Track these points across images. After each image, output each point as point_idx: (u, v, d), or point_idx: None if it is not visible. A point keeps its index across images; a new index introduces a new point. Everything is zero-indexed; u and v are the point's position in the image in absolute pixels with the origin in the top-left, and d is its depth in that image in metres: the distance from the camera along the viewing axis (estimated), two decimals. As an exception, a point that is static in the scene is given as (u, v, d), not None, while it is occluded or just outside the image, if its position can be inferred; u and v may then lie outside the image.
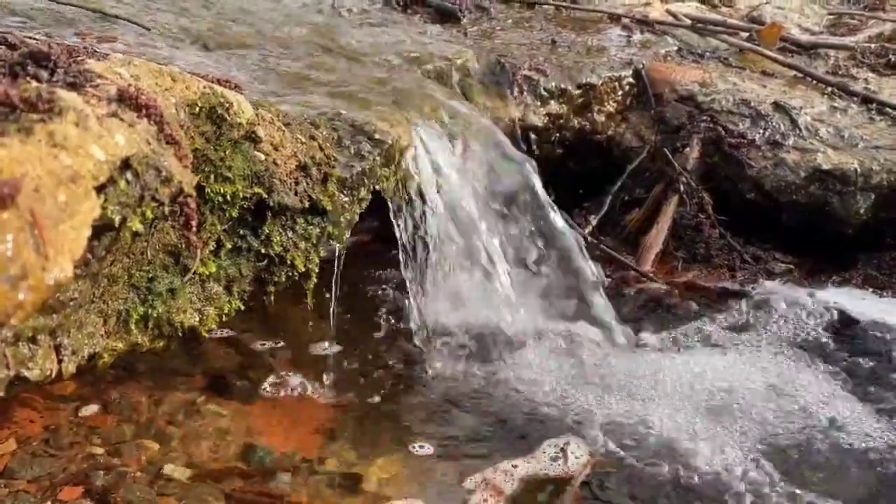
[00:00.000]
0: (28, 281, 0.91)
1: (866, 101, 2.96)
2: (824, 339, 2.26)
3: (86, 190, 1.04)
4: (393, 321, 2.23)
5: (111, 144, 1.13)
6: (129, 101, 1.25)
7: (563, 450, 1.74)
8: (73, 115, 1.09)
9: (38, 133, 1.03)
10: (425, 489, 1.63)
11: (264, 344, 2.08)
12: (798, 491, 1.64)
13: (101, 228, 1.18)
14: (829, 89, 3.04)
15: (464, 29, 3.11)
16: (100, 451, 1.65)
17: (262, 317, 2.13)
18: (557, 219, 2.24)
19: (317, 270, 1.83)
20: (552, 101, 2.78)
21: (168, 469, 1.62)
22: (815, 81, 3.10)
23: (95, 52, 1.50)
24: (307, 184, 1.75)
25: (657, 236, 2.71)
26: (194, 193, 1.41)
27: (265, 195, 1.66)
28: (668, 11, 3.62)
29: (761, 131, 2.77)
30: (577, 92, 2.82)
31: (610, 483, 1.67)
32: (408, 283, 2.06)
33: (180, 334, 1.65)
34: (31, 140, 1.02)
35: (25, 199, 0.92)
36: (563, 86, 2.79)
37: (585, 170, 2.91)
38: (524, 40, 3.06)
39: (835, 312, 2.37)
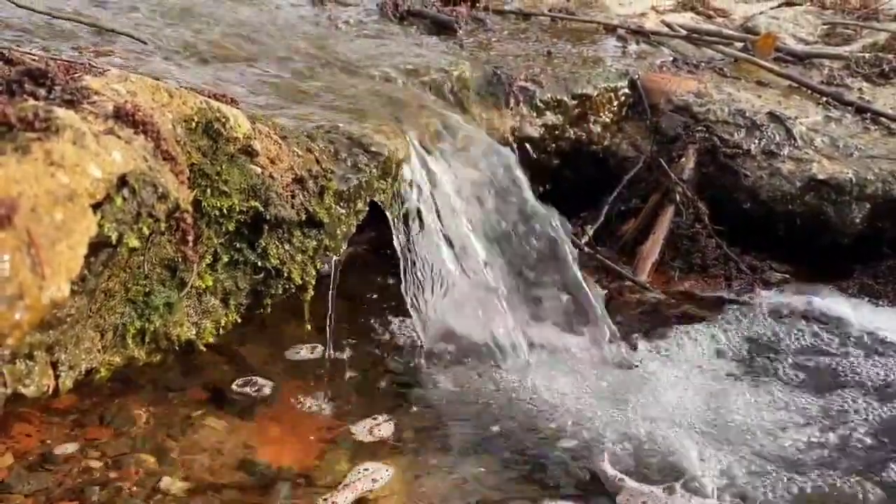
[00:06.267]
0: (25, 301, 0.91)
1: (861, 110, 2.97)
2: (819, 348, 2.27)
3: (82, 208, 1.04)
4: (391, 332, 2.23)
5: (108, 162, 1.14)
6: (125, 117, 1.25)
7: (565, 469, 1.74)
8: (70, 132, 1.10)
9: (35, 152, 1.04)
10: None
11: (262, 356, 2.08)
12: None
13: (98, 245, 1.18)
14: (824, 99, 3.05)
15: (460, 40, 3.12)
16: (97, 465, 1.65)
17: (260, 329, 2.14)
18: (551, 226, 2.24)
19: (313, 283, 1.83)
20: (548, 112, 2.79)
21: (165, 483, 1.61)
22: (809, 91, 3.11)
23: (92, 67, 1.51)
24: (304, 196, 1.76)
25: (653, 246, 2.71)
26: (191, 209, 1.41)
27: (262, 208, 1.67)
28: (664, 22, 3.64)
29: (756, 141, 2.78)
30: (573, 102, 2.83)
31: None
32: (407, 296, 2.06)
33: (177, 348, 1.65)
34: (28, 159, 1.02)
35: (22, 218, 0.92)
36: (558, 96, 2.80)
37: (582, 180, 2.92)
38: (520, 51, 3.07)
39: (831, 321, 2.39)
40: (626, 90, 2.96)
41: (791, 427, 1.92)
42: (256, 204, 1.66)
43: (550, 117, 2.80)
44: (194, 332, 1.66)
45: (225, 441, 1.77)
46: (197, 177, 1.54)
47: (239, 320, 1.76)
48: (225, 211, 1.62)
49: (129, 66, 1.98)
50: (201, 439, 1.76)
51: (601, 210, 2.83)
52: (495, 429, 1.86)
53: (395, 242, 2.00)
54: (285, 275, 1.78)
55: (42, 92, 1.21)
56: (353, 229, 1.88)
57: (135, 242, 1.24)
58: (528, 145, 2.75)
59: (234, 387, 1.95)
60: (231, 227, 1.65)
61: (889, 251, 2.65)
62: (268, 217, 1.68)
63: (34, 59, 1.44)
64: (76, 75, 1.33)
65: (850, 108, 2.99)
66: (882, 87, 3.20)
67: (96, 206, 1.12)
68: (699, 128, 2.84)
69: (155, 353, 1.61)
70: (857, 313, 2.45)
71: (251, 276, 1.74)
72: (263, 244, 1.72)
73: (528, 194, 2.21)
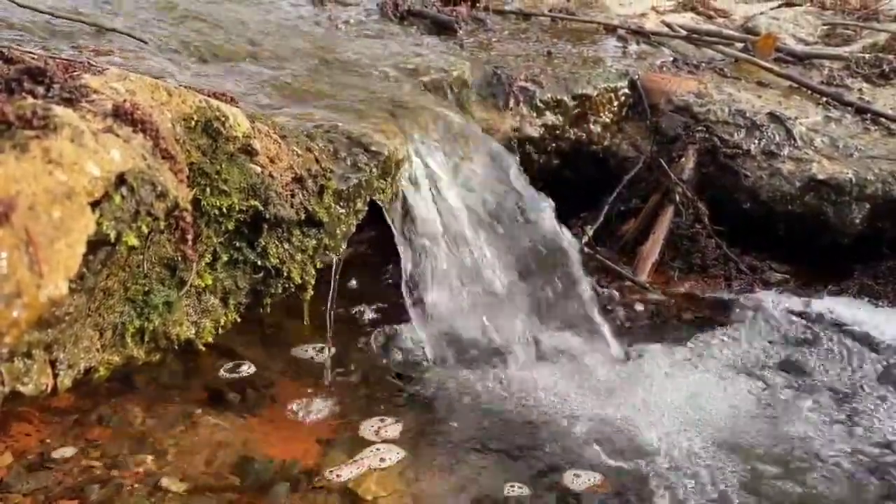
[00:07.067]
0: (22, 299, 0.91)
1: (861, 111, 2.97)
2: (819, 349, 2.27)
3: (81, 206, 1.04)
4: (392, 332, 2.22)
5: (106, 160, 1.14)
6: (124, 116, 1.25)
7: (565, 466, 1.74)
8: (68, 131, 1.10)
9: (33, 149, 1.04)
10: None
11: (262, 356, 2.08)
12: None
13: (97, 243, 1.18)
14: (824, 99, 3.05)
15: (460, 40, 3.12)
16: (96, 464, 1.65)
17: (260, 328, 2.14)
18: (552, 228, 2.24)
19: (313, 282, 1.83)
20: (548, 112, 2.79)
21: (164, 482, 1.61)
22: (810, 92, 3.11)
23: (92, 66, 1.51)
24: (303, 196, 1.75)
25: (653, 246, 2.71)
26: (190, 207, 1.41)
27: (261, 207, 1.67)
28: (664, 22, 3.64)
29: (756, 141, 2.78)
30: (573, 103, 2.83)
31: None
32: (407, 294, 2.06)
33: (176, 347, 1.65)
34: (27, 157, 1.02)
35: (20, 216, 0.92)
36: (558, 97, 2.80)
37: (582, 180, 2.92)
38: (520, 51, 3.07)
39: (830, 322, 2.39)
40: (627, 90, 2.96)
41: (793, 428, 1.92)
42: (256, 203, 1.65)
43: (550, 117, 2.80)
44: (193, 331, 1.66)
45: (224, 440, 1.76)
46: (196, 176, 1.53)
47: (238, 319, 1.76)
48: (224, 210, 1.62)
49: (128, 66, 1.98)
50: (201, 439, 1.76)
51: (601, 210, 2.83)
52: (498, 430, 1.86)
53: (397, 242, 2.00)
54: (285, 274, 1.77)
55: (41, 90, 1.21)
56: (353, 229, 1.88)
57: (133, 241, 1.24)
58: (528, 145, 2.75)
59: (233, 386, 1.95)
60: (230, 226, 1.65)
61: (889, 251, 2.65)
62: (267, 216, 1.68)
63: (33, 58, 1.44)
64: (75, 74, 1.33)
65: (850, 108, 2.99)
66: (882, 88, 3.20)
67: (95, 205, 1.12)
68: (699, 128, 2.84)
69: (154, 353, 1.60)
70: (856, 314, 2.45)
71: (251, 275, 1.74)
72: (263, 243, 1.72)
73: (527, 191, 2.22)
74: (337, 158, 1.87)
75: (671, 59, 3.26)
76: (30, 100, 1.15)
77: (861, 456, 1.83)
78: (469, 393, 1.99)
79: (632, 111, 2.97)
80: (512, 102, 2.73)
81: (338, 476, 1.67)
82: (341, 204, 1.84)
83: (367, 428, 1.84)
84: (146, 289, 1.53)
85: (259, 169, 1.66)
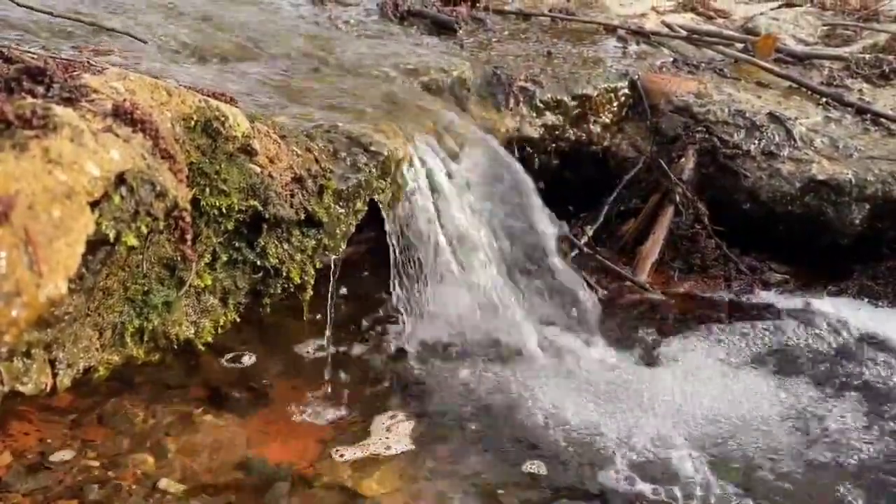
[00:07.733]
0: (22, 298, 0.91)
1: (861, 111, 2.97)
2: (819, 350, 2.27)
3: (80, 206, 1.04)
4: (390, 332, 2.22)
5: (106, 160, 1.14)
6: (124, 115, 1.25)
7: (564, 464, 1.74)
8: (68, 130, 1.10)
9: (32, 149, 1.04)
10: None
11: (262, 355, 2.08)
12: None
13: (96, 243, 1.18)
14: (824, 100, 3.05)
15: (460, 41, 3.13)
16: (95, 464, 1.66)
17: (258, 328, 2.14)
18: (548, 225, 2.25)
19: (312, 282, 1.83)
20: (548, 113, 2.79)
21: (163, 483, 1.62)
22: (809, 92, 3.11)
23: (91, 66, 1.51)
24: (303, 196, 1.75)
25: (653, 247, 2.71)
26: (189, 207, 1.41)
27: (261, 207, 1.67)
28: (664, 23, 3.64)
29: (756, 142, 2.78)
30: (573, 103, 2.83)
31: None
32: (403, 295, 2.06)
33: (176, 347, 1.65)
34: (26, 156, 1.02)
35: (19, 216, 0.92)
36: (558, 97, 2.81)
37: (582, 180, 2.92)
38: (520, 52, 3.07)
39: (830, 322, 2.38)
40: (626, 90, 2.96)
41: (789, 429, 1.92)
42: (255, 203, 1.65)
43: (550, 117, 2.80)
44: (193, 331, 1.66)
45: (224, 440, 1.77)
46: (196, 175, 1.53)
47: (238, 319, 1.76)
48: (224, 210, 1.62)
49: (128, 65, 1.98)
50: (200, 438, 1.77)
51: (601, 210, 2.83)
52: (497, 427, 1.86)
53: (393, 240, 2.00)
54: (284, 274, 1.77)
55: (40, 90, 1.21)
56: (353, 229, 1.88)
57: (133, 241, 1.24)
58: (527, 146, 2.75)
59: (233, 385, 1.95)
60: (230, 226, 1.65)
61: (889, 252, 2.65)
62: (267, 216, 1.68)
63: (33, 58, 1.44)
64: (75, 73, 1.33)
65: (850, 108, 2.99)
66: (882, 88, 3.20)
67: (94, 204, 1.12)
68: (699, 128, 2.84)
69: (153, 352, 1.60)
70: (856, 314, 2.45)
71: (250, 275, 1.74)
72: (262, 243, 1.72)
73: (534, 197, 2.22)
74: (336, 158, 1.87)
75: (671, 59, 3.26)
76: (29, 99, 1.15)
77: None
78: (468, 389, 1.99)
79: (632, 111, 2.97)
80: (512, 102, 2.73)
81: (337, 474, 1.67)
82: (341, 204, 1.84)
83: (368, 426, 1.84)
84: (145, 289, 1.53)
85: (258, 169, 1.66)
